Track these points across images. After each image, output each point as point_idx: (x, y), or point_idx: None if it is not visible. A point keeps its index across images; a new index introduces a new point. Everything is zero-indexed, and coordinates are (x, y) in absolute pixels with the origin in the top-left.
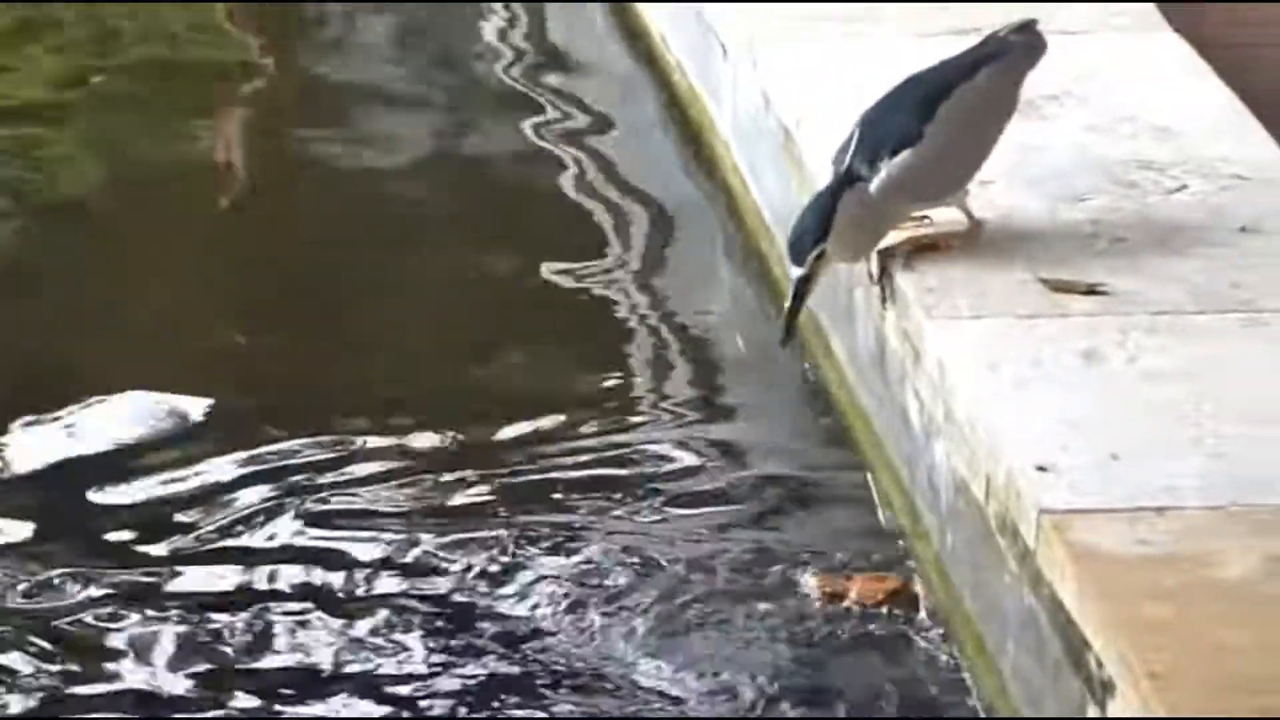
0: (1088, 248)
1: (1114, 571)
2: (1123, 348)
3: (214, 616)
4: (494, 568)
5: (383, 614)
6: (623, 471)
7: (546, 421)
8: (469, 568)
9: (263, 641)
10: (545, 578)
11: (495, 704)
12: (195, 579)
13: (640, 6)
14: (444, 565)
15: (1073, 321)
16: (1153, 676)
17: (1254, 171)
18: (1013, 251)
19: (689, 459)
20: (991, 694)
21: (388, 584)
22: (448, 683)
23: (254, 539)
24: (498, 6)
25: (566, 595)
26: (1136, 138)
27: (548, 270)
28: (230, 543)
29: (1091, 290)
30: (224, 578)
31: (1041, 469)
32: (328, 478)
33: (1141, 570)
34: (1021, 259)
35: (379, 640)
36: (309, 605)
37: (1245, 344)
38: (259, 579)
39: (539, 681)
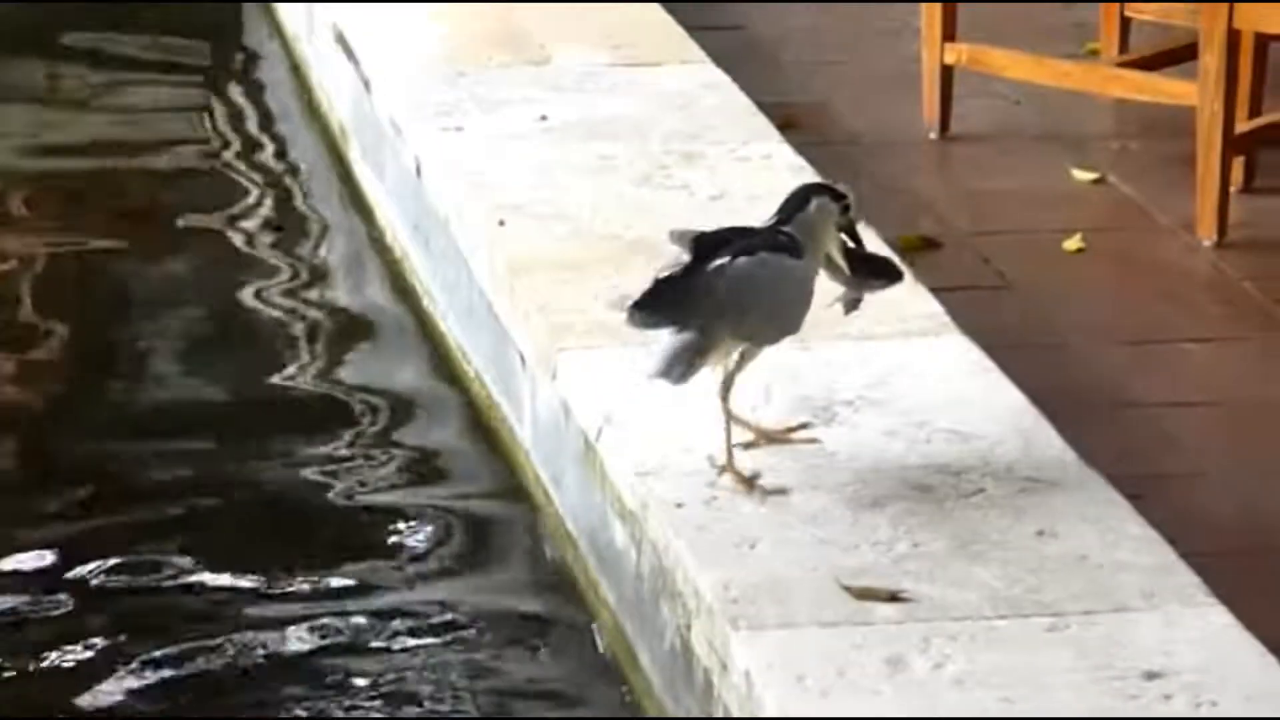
0: (888, 553)
1: None
2: (926, 654)
3: None
4: None
5: None
6: None
7: None
8: None
9: None
10: None
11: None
12: None
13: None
14: None
15: (876, 629)
16: None
17: (1047, 474)
18: (816, 558)
19: None
20: None
21: None
22: None
23: None
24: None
25: None
26: (932, 441)
27: None
28: None
29: (894, 597)
30: None
31: None
32: None
33: None
34: (825, 566)
35: None
36: None
37: (1048, 650)
38: None
39: None
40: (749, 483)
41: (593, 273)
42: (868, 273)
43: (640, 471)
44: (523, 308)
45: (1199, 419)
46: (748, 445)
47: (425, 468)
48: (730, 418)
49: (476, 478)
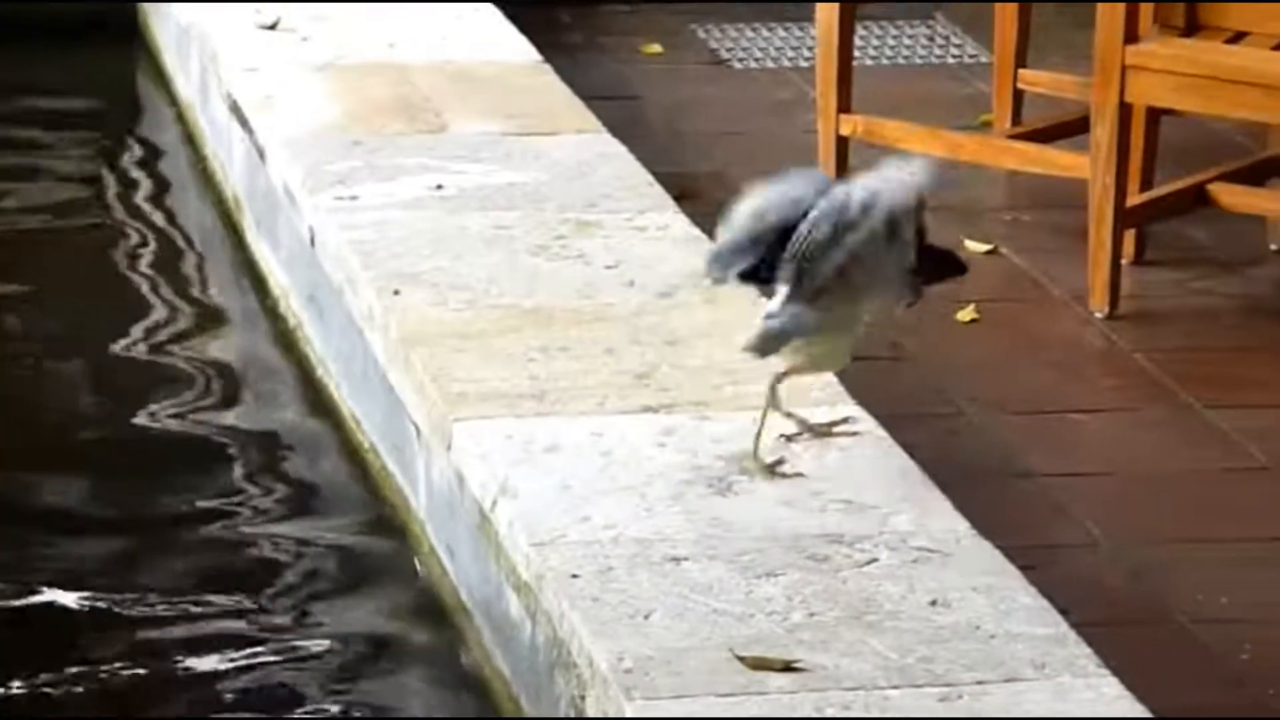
0: (783, 622)
1: None
2: None
3: None
4: None
5: None
6: None
7: None
8: None
9: None
10: None
11: None
12: None
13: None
14: None
15: (770, 699)
16: None
17: (940, 544)
18: (710, 628)
19: None
20: None
21: None
22: None
23: None
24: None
25: None
26: (826, 511)
27: None
28: None
29: (788, 666)
30: None
31: None
32: None
33: None
34: (719, 635)
35: None
36: None
37: None
38: None
39: None
40: (769, 469)
41: (488, 342)
42: (931, 266)
43: (535, 542)
44: (417, 378)
45: (1091, 489)
46: (790, 437)
47: (317, 539)
48: (773, 406)
49: (370, 549)
